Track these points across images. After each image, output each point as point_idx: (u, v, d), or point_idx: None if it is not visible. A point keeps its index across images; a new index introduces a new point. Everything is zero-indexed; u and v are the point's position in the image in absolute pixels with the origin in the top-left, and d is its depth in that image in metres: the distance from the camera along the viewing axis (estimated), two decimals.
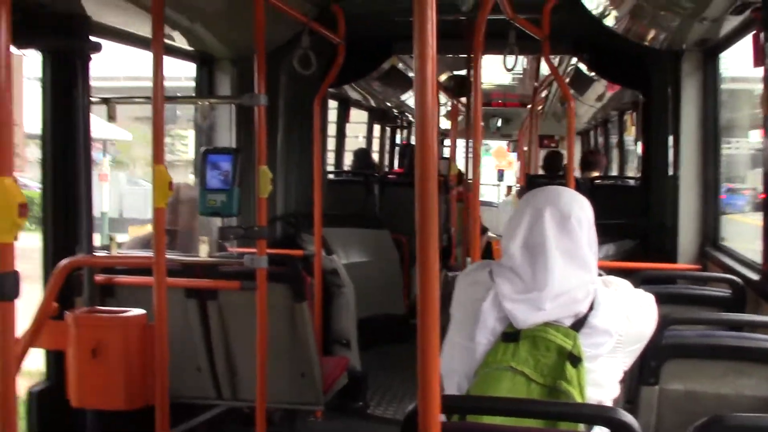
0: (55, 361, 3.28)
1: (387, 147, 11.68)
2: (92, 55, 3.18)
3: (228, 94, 4.75)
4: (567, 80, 9.12)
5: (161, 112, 2.46)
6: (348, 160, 9.52)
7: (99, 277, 3.27)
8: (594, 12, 4.41)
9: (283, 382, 3.51)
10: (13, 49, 2.92)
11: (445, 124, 11.27)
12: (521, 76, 10.04)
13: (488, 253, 9.70)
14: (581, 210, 2.02)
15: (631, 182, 7.89)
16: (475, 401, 1.84)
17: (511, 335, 1.89)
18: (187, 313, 3.46)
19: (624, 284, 2.08)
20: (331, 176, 7.99)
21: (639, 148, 7.26)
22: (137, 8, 3.34)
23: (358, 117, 10.22)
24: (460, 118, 8.47)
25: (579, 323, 1.92)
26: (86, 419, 3.02)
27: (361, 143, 10.81)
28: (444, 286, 7.51)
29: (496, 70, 10.20)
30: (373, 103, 9.99)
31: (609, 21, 4.44)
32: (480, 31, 3.18)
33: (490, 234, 10.04)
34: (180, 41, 4.27)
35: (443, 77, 8.94)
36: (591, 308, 1.93)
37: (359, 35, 4.53)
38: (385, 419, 4.74)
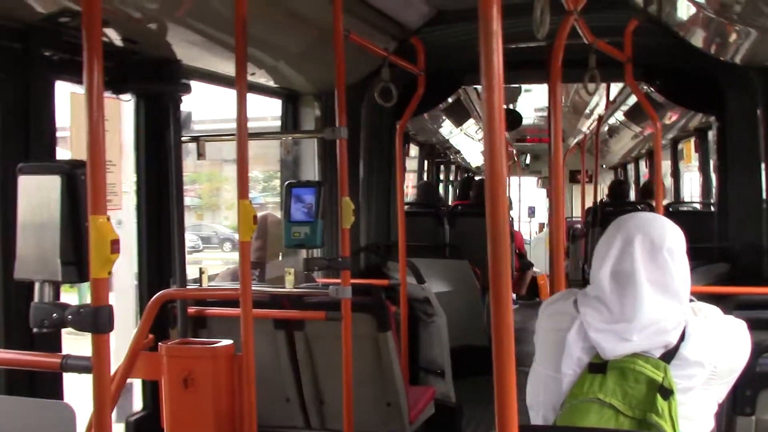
0: (151, 390, 3.42)
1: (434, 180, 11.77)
2: (183, 97, 3.33)
3: (312, 128, 4.87)
4: (625, 109, 8.97)
5: (245, 147, 2.54)
6: (408, 193, 9.63)
7: (191, 309, 3.39)
8: (676, 31, 4.31)
9: (369, 411, 3.53)
10: (110, 94, 3.12)
11: None
12: (544, 112, 9.93)
13: (534, 288, 9.63)
14: (674, 238, 1.96)
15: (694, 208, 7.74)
16: None
17: (597, 366, 1.85)
18: (276, 343, 3.54)
19: (713, 311, 2.01)
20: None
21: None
22: (225, 50, 3.48)
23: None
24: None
25: (669, 354, 1.86)
26: None
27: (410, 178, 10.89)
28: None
29: (528, 105, 10.14)
30: (419, 139, 10.11)
31: (693, 40, 4.33)
32: (558, 58, 3.15)
33: (535, 270, 9.92)
34: (265, 79, 4.41)
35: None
36: (682, 339, 1.88)
37: (433, 67, 4.57)
38: None
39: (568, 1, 2.82)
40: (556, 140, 3.27)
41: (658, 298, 1.89)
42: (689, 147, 8.77)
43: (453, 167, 13.88)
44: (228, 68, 3.96)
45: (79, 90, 3.09)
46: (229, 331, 3.43)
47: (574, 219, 12.36)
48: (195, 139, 3.39)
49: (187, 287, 3.29)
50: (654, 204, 4.46)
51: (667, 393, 1.80)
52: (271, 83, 4.59)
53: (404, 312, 4.34)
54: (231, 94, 3.99)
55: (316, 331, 3.51)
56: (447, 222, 7.63)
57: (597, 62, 3.48)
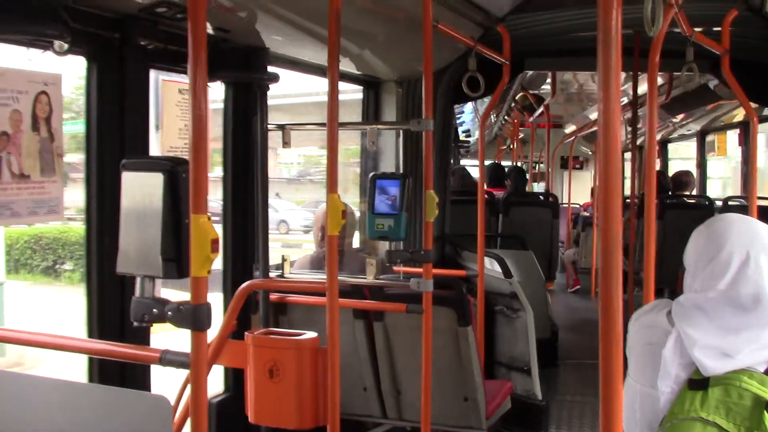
0: (234, 374, 3.47)
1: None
2: (270, 85, 3.34)
3: (393, 114, 4.84)
4: (667, 100, 8.60)
5: (335, 138, 2.52)
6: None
7: (273, 296, 3.42)
8: None
9: (446, 405, 3.51)
10: None
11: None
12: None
13: None
14: None
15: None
16: None
17: (698, 383, 1.77)
18: (354, 333, 3.55)
19: None
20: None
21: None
22: (311, 38, 3.47)
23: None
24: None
25: None
26: None
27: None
28: None
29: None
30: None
31: None
32: (657, 49, 3.04)
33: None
34: (348, 66, 4.40)
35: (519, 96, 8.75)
36: None
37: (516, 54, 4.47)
38: None
39: None
40: (651, 132, 3.16)
41: (765, 311, 1.80)
42: (723, 139, 8.74)
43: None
44: (312, 55, 3.97)
45: (170, 78, 3.14)
46: (310, 318, 3.47)
47: (573, 205, 12.01)
48: (281, 127, 3.39)
49: (271, 276, 3.31)
50: (747, 200, 4.27)
51: None
52: (353, 70, 4.58)
53: (481, 305, 4.29)
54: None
55: (395, 323, 3.50)
56: (501, 211, 7.46)
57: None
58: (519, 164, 11.81)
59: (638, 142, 11.43)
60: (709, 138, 9.10)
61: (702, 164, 9.39)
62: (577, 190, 12.27)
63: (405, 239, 3.35)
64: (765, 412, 1.71)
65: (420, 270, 3.20)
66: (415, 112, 4.76)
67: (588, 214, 10.13)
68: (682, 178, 7.73)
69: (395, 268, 4.00)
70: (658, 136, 11.30)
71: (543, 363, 5.98)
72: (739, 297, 1.81)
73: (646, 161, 3.32)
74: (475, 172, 7.92)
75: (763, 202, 7.86)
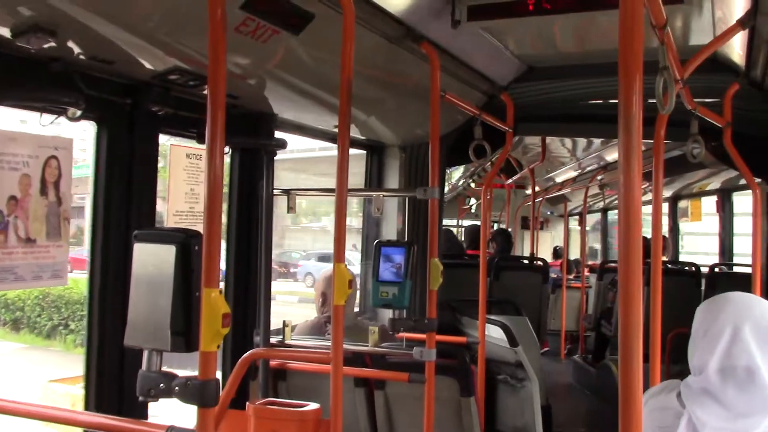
0: None
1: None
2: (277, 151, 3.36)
3: (395, 177, 4.86)
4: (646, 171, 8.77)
5: (344, 207, 2.50)
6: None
7: (274, 363, 3.38)
8: None
9: None
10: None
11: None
12: None
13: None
14: None
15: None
16: None
17: None
18: (355, 401, 3.50)
19: None
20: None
21: None
22: (318, 104, 3.50)
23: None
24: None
25: None
26: None
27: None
28: None
29: None
30: None
31: None
32: (663, 122, 3.08)
33: None
34: (352, 131, 4.43)
35: None
36: None
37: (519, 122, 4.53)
38: None
39: (676, 71, 2.74)
40: (657, 196, 3.17)
41: None
42: (697, 205, 8.91)
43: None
44: (318, 120, 4.00)
45: (178, 142, 3.15)
46: (311, 385, 3.41)
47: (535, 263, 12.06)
48: (287, 192, 3.40)
49: (272, 342, 3.28)
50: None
51: None
52: (357, 134, 4.61)
53: (482, 373, 4.23)
54: None
55: (397, 391, 3.45)
56: (493, 274, 7.39)
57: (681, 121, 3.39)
58: (503, 227, 11.85)
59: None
60: (682, 204, 9.21)
61: (674, 229, 9.46)
62: (540, 249, 12.23)
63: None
64: None
65: (421, 336, 3.17)
66: (418, 177, 4.79)
67: (557, 276, 10.12)
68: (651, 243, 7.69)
69: (397, 335, 3.97)
70: (601, 204, 11.40)
71: None
72: (735, 370, 1.79)
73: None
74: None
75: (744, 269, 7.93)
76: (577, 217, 12.30)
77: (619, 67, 1.36)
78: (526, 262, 8.39)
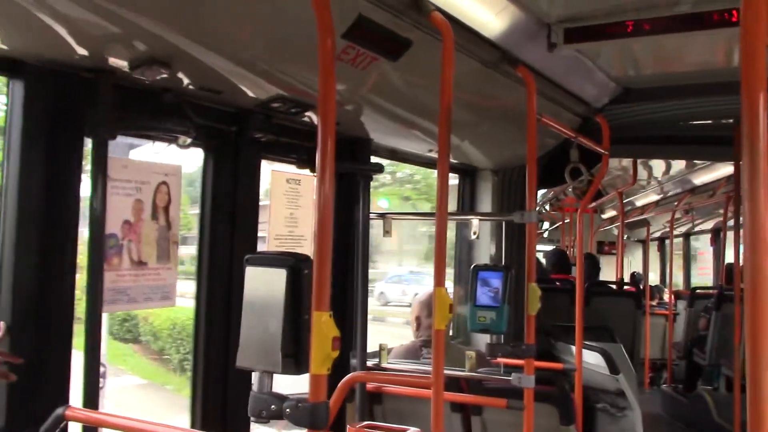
0: None
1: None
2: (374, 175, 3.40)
3: (488, 201, 4.84)
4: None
5: (444, 230, 2.51)
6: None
7: (370, 386, 3.39)
8: None
9: None
10: (308, 172, 3.23)
11: None
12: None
13: None
14: None
15: None
16: None
17: None
18: (452, 427, 3.46)
19: None
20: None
21: None
22: (413, 130, 3.53)
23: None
24: None
25: None
26: None
27: None
28: None
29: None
30: None
31: None
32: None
33: None
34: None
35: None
36: None
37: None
38: None
39: None
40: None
41: None
42: None
43: None
44: (411, 145, 4.03)
45: (279, 168, 3.23)
46: (406, 409, 3.41)
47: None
48: (382, 216, 3.43)
49: (368, 365, 3.29)
50: None
51: None
52: (451, 159, 4.62)
53: (579, 401, 4.13)
54: None
55: (494, 418, 3.40)
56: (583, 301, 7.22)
57: None
58: (589, 251, 11.58)
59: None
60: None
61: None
62: (608, 274, 11.89)
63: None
64: None
65: (518, 362, 3.13)
66: (510, 201, 4.76)
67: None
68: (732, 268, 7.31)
69: (493, 360, 3.93)
70: (683, 229, 10.89)
71: None
72: None
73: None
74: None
75: None
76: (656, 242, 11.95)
77: (742, 86, 1.33)
78: (615, 287, 8.17)
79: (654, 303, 10.10)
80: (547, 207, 11.01)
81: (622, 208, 9.79)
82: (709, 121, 4.99)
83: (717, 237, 11.65)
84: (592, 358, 4.82)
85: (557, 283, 7.26)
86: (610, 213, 11.66)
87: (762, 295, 1.26)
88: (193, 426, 2.73)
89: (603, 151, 4.29)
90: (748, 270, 1.30)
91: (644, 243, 11.01)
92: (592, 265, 8.37)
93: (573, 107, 4.22)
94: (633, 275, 13.35)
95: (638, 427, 4.10)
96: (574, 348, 4.29)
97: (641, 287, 9.56)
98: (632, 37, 3.20)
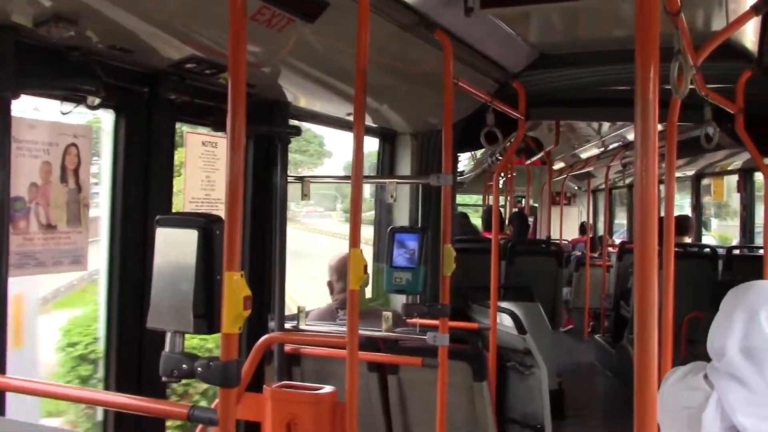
0: (246, 427, 3.45)
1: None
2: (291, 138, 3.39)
3: (407, 165, 4.89)
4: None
5: (360, 193, 2.53)
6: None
7: (288, 348, 3.42)
8: None
9: None
10: (223, 134, 3.19)
11: None
12: None
13: None
14: None
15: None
16: None
17: None
18: (369, 386, 3.53)
19: None
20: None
21: None
22: (332, 92, 3.53)
23: None
24: None
25: None
26: None
27: None
28: None
29: None
30: None
31: None
32: (676, 108, 3.09)
33: None
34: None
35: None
36: None
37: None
38: None
39: (690, 57, 2.76)
40: (670, 178, 3.18)
41: None
42: (720, 184, 8.80)
43: None
44: (331, 108, 4.03)
45: (193, 130, 3.19)
46: (324, 370, 3.46)
47: (563, 242, 11.70)
48: (301, 179, 3.43)
49: (286, 328, 3.32)
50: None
51: None
52: (370, 122, 4.64)
53: (493, 360, 4.27)
54: None
55: (410, 376, 3.48)
56: (507, 258, 7.30)
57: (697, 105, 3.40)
58: (518, 209, 11.81)
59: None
60: (705, 182, 9.13)
61: (698, 208, 9.42)
62: (565, 225, 12.18)
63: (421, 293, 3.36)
64: None
65: (434, 322, 3.20)
66: (429, 164, 4.82)
67: (580, 253, 10.07)
68: (682, 222, 7.52)
69: (409, 320, 4.01)
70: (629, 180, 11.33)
71: (551, 416, 5.93)
72: (753, 352, 1.81)
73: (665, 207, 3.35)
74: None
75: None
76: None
77: (636, 53, 1.39)
78: (543, 246, 8.32)
79: (596, 255, 10.41)
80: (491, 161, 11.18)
81: (550, 166, 9.98)
82: (621, 87, 5.14)
83: (630, 191, 12.09)
84: (507, 318, 4.98)
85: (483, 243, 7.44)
86: (559, 164, 11.93)
87: (647, 250, 1.33)
88: (107, 388, 2.71)
89: (519, 115, 4.39)
90: (638, 226, 1.37)
91: (588, 194, 11.30)
92: (521, 222, 8.55)
93: (490, 72, 4.29)
94: (582, 225, 13.67)
95: (544, 384, 4.27)
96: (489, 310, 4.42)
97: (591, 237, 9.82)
98: (548, 3, 3.27)
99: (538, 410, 4.31)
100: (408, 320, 4.20)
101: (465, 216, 9.20)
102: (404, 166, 4.85)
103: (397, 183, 3.36)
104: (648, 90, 1.38)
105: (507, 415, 4.43)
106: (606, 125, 8.18)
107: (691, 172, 9.09)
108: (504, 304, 5.80)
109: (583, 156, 10.32)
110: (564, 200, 11.55)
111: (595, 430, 6.04)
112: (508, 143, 5.52)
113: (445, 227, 3.19)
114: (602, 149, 9.24)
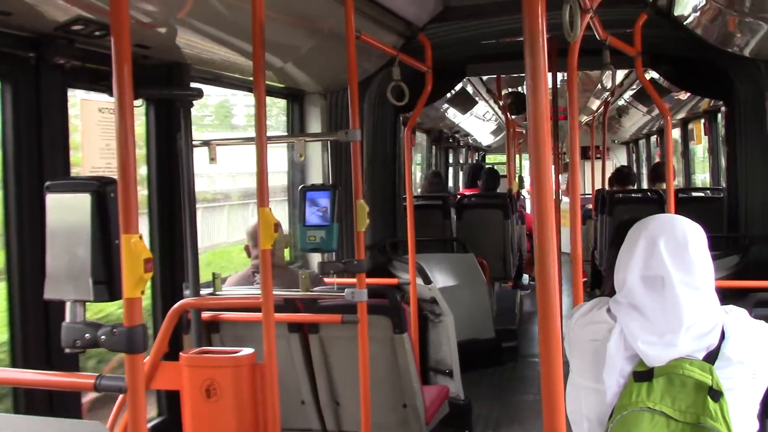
0: (168, 397, 3.40)
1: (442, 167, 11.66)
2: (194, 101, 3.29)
3: (319, 125, 4.84)
4: (632, 93, 9.06)
5: (264, 152, 2.50)
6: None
7: (206, 315, 3.36)
8: (686, 24, 4.31)
9: (385, 413, 3.52)
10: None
11: None
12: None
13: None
14: (696, 236, 1.93)
15: (706, 194, 7.72)
16: None
17: (643, 374, 1.82)
18: (290, 346, 3.52)
19: (740, 312, 1.99)
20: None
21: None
22: (233, 53, 3.44)
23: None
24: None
25: (712, 355, 1.83)
26: None
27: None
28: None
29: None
30: (426, 126, 10.14)
31: (699, 31, 4.33)
32: (574, 54, 3.13)
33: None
34: (271, 80, 4.38)
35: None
36: (722, 339, 1.86)
37: (438, 62, 4.56)
38: None
39: (585, 0, 2.79)
40: (573, 122, 3.24)
41: (693, 299, 1.86)
42: (699, 128, 8.72)
43: (464, 150, 13.79)
44: (232, 70, 3.93)
45: (89, 97, 3.06)
46: (244, 334, 3.42)
47: (586, 196, 11.73)
48: (207, 143, 3.35)
49: (201, 293, 3.26)
50: (665, 189, 4.45)
51: (717, 395, 1.76)
52: (276, 83, 4.56)
53: (414, 312, 4.31)
54: None
55: (331, 334, 3.49)
56: (454, 214, 7.52)
57: (609, 51, 3.48)
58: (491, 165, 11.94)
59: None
60: (691, 126, 9.17)
61: (685, 153, 9.58)
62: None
63: (337, 251, 3.35)
64: (708, 398, 1.77)
65: (353, 280, 3.20)
66: (342, 123, 4.78)
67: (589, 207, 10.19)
68: (660, 168, 7.73)
69: (327, 279, 4.00)
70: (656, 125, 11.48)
71: (486, 363, 6.09)
72: (651, 280, 1.88)
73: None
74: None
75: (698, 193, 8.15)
76: None
77: (522, 3, 1.37)
78: (489, 200, 8.41)
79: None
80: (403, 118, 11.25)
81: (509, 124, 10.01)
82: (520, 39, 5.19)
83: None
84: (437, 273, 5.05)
85: (465, 200, 7.83)
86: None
87: (544, 207, 1.33)
88: (14, 365, 2.60)
89: (426, 69, 4.38)
90: (533, 173, 1.37)
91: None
92: (491, 178, 8.64)
93: (395, 26, 4.26)
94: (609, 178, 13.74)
95: (450, 330, 4.38)
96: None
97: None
98: None
99: (446, 356, 4.43)
100: (326, 279, 4.20)
101: (437, 175, 9.30)
102: (315, 126, 4.81)
103: (306, 141, 3.31)
104: (537, 36, 1.35)
105: (427, 363, 4.53)
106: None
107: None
108: (433, 256, 5.90)
109: (593, 106, 10.73)
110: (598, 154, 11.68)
111: (531, 372, 6.22)
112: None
113: (356, 183, 3.17)
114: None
